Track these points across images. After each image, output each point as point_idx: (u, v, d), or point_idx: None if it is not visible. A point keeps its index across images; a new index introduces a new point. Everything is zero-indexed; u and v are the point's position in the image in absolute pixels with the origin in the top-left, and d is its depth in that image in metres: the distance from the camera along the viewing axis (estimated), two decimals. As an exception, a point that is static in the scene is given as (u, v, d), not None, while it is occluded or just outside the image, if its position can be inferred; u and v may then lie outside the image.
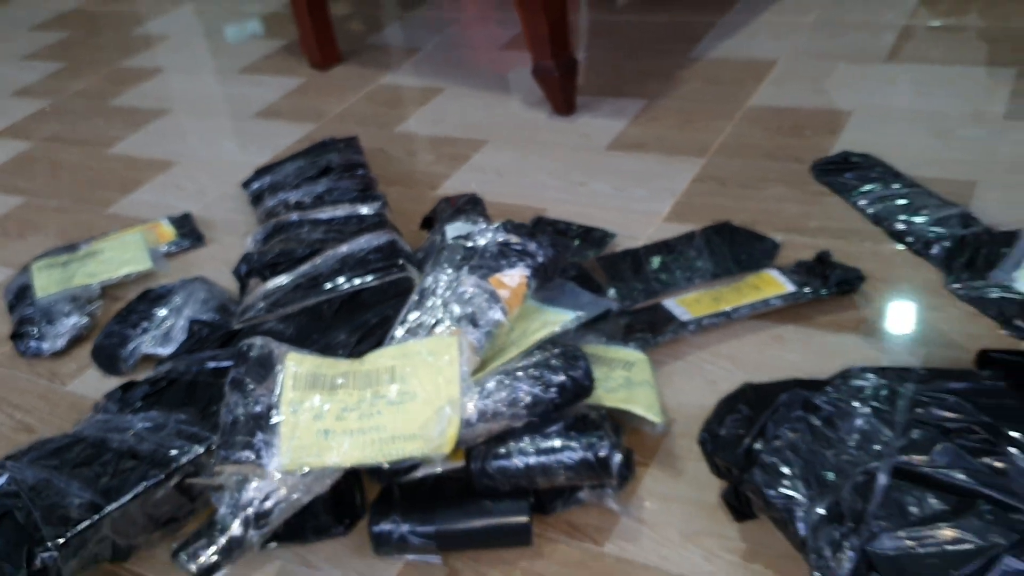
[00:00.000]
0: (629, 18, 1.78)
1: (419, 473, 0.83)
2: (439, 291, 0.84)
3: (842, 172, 0.86)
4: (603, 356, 0.93)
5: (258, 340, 0.82)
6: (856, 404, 0.73)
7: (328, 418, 0.77)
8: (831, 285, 0.99)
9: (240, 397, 0.78)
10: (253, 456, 0.75)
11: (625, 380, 0.90)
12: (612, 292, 1.04)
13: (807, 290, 0.99)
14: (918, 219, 0.79)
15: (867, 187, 0.83)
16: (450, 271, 0.85)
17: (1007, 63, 1.38)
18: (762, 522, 0.77)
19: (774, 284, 1.01)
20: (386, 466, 0.76)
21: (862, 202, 0.83)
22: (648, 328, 0.99)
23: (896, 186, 0.82)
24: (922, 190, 0.80)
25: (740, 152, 1.30)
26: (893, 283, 1.01)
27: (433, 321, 0.83)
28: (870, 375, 0.75)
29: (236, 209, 1.39)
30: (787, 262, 1.06)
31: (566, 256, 0.93)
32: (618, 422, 0.86)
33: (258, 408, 0.78)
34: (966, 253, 0.75)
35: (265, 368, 0.80)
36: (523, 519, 0.80)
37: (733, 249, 1.09)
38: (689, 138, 1.35)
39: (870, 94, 1.37)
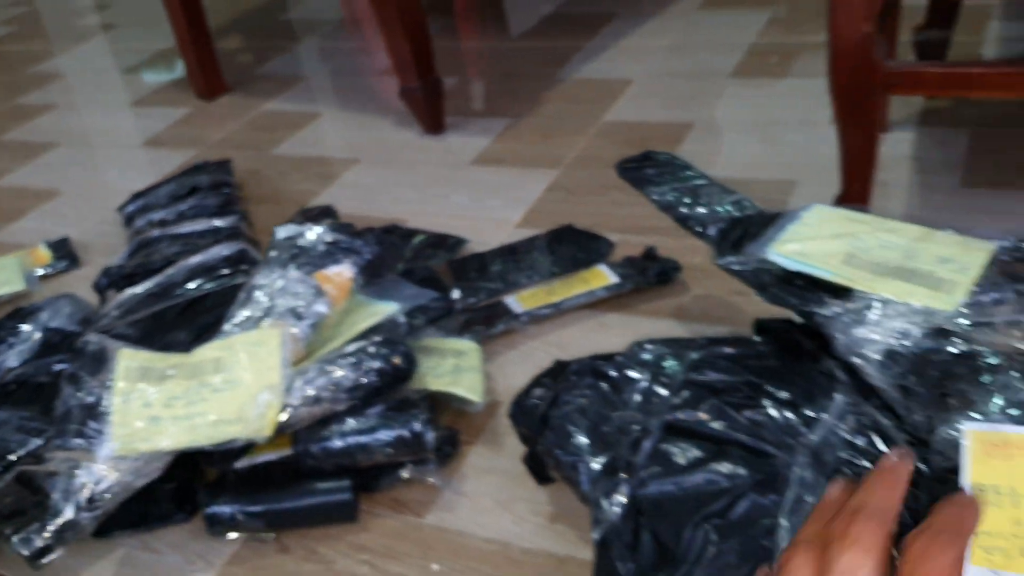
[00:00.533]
0: (509, 44, 1.87)
1: (256, 460, 0.88)
2: (266, 288, 0.90)
3: (642, 169, 0.94)
4: (437, 347, 0.99)
5: (93, 337, 0.87)
6: (639, 369, 0.80)
7: (157, 406, 0.82)
8: (651, 276, 1.07)
9: (74, 389, 0.83)
10: (84, 443, 0.79)
11: (454, 367, 0.96)
12: (456, 292, 1.11)
13: (629, 281, 1.07)
14: (700, 207, 0.87)
15: (662, 184, 0.91)
16: (277, 269, 0.91)
17: (838, 76, 1.48)
18: (565, 486, 0.83)
19: (601, 277, 1.08)
20: (210, 447, 0.81)
21: (655, 196, 0.91)
22: (484, 322, 1.06)
23: (686, 178, 0.90)
24: (711, 183, 0.88)
25: (589, 163, 1.38)
26: (709, 273, 1.09)
27: (260, 315, 0.88)
28: (654, 346, 0.83)
29: (112, 233, 1.43)
30: (619, 259, 1.14)
31: (394, 254, 0.99)
32: (444, 404, 0.93)
33: (91, 399, 0.82)
34: (736, 233, 0.83)
35: (99, 363, 0.85)
36: (346, 496, 0.85)
37: (572, 249, 1.17)
38: (546, 152, 1.43)
39: (712, 108, 1.46)
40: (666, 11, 1.86)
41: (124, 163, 1.67)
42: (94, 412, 0.82)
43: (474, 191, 1.36)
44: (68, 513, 0.79)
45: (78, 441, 0.80)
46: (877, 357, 0.67)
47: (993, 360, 0.63)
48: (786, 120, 1.39)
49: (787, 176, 1.24)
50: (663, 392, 0.78)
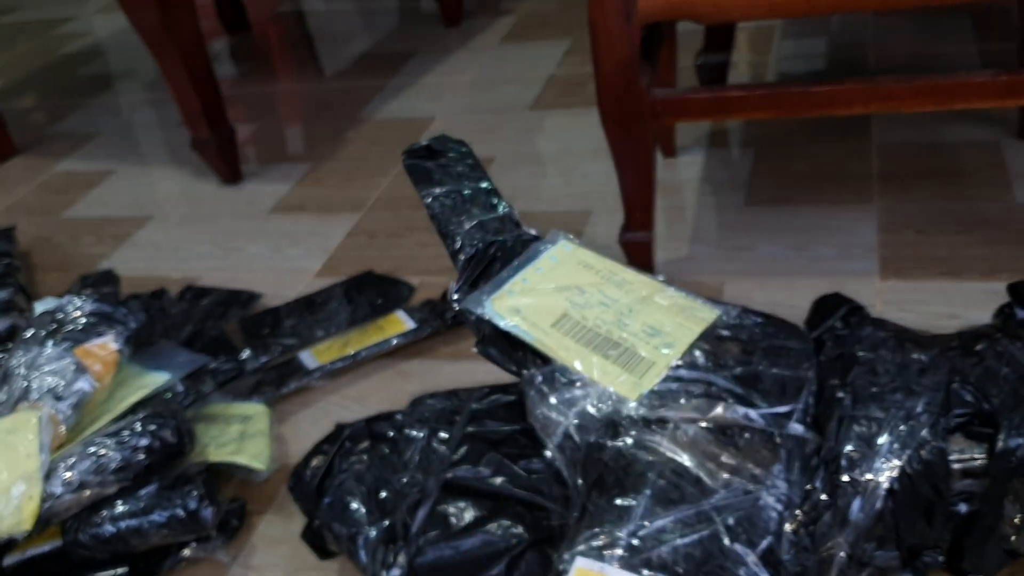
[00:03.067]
0: (318, 85, 1.83)
1: (26, 554, 0.81)
2: (21, 368, 0.83)
3: (426, 161, 0.89)
4: (222, 414, 0.95)
5: None
6: (418, 426, 0.78)
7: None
8: (448, 319, 1.05)
9: None
10: None
11: (239, 434, 0.92)
12: (247, 352, 1.06)
13: (427, 326, 1.05)
14: (465, 221, 0.83)
15: (441, 185, 0.86)
16: (35, 347, 0.85)
17: (633, 102, 1.52)
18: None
19: (398, 324, 1.06)
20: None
21: (428, 199, 0.86)
22: (275, 381, 1.02)
23: (465, 179, 0.85)
24: (486, 191, 0.85)
25: (391, 205, 1.36)
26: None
27: (16, 399, 0.82)
28: (434, 400, 0.81)
29: None
30: (420, 303, 1.12)
31: (163, 320, 0.94)
32: (229, 474, 0.88)
33: None
34: (478, 268, 0.80)
35: None
36: (120, 586, 0.80)
37: (371, 296, 1.14)
38: (347, 196, 1.40)
39: (511, 141, 1.47)
40: (468, 45, 1.87)
41: None
42: None
43: (272, 241, 1.32)
44: None
45: None
46: (556, 439, 0.66)
47: (643, 470, 0.61)
48: (582, 150, 1.40)
49: (583, 207, 1.26)
50: (441, 448, 0.76)
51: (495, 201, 0.85)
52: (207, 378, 1.00)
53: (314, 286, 1.20)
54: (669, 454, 0.61)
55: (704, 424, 0.62)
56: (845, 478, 0.61)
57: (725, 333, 0.69)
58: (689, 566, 0.55)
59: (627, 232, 1.06)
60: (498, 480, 0.71)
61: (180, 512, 0.80)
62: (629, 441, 0.62)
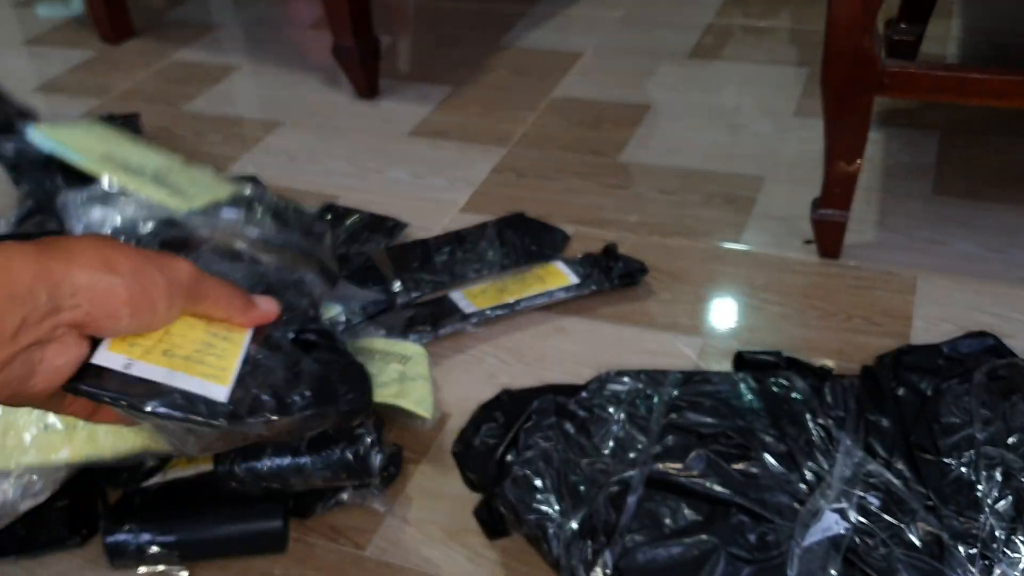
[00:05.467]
0: (442, 4, 1.74)
1: (165, 477, 0.76)
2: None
3: None
4: (380, 350, 0.88)
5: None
6: (611, 409, 0.71)
7: (39, 414, 0.69)
8: (614, 278, 0.98)
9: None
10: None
11: (399, 375, 0.85)
12: (397, 284, 1.00)
13: (591, 282, 0.98)
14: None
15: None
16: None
17: (802, 63, 1.41)
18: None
19: (559, 276, 0.99)
20: (114, 462, 0.69)
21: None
22: (430, 321, 0.95)
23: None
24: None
25: (540, 143, 1.28)
26: (677, 275, 1.01)
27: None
28: (626, 379, 0.73)
29: None
30: (576, 253, 1.04)
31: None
32: (388, 417, 0.82)
33: (-31, 407, 0.69)
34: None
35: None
36: (276, 524, 0.74)
37: (524, 240, 1.07)
38: (492, 127, 1.32)
39: (670, 89, 1.38)
40: (617, -20, 1.76)
41: (14, 109, 1.49)
42: (-29, 422, 0.68)
43: (414, 167, 1.25)
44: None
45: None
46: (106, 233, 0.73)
47: (200, 243, 0.75)
48: (749, 108, 1.31)
49: (754, 171, 1.17)
50: (640, 437, 0.69)
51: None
52: (358, 308, 0.94)
53: (460, 221, 1.12)
54: (223, 238, 0.75)
55: (248, 231, 0.77)
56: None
57: (255, 198, 0.84)
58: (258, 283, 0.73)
59: (821, 209, 0.98)
60: (714, 482, 0.64)
61: (348, 456, 0.74)
62: (186, 227, 0.75)
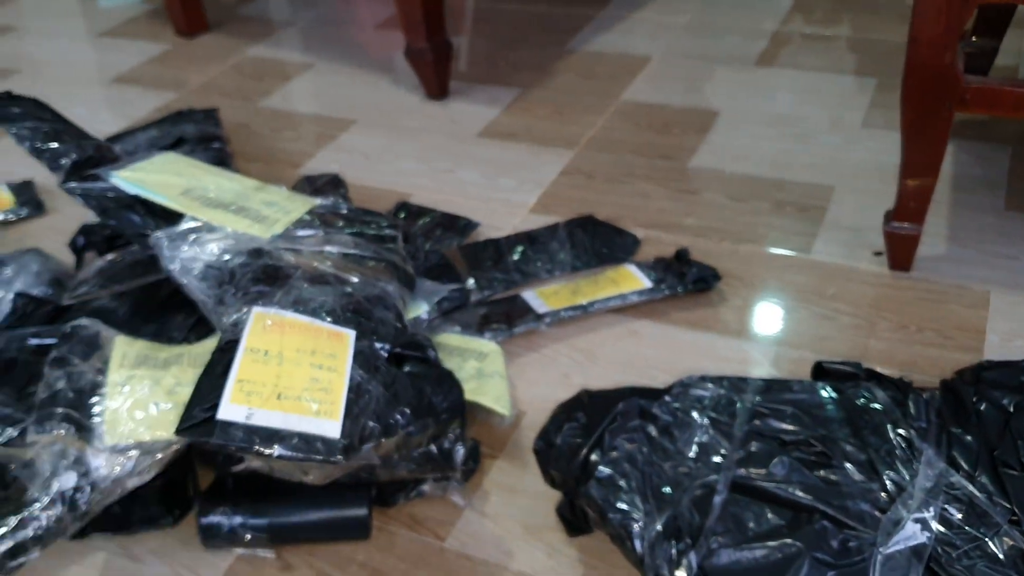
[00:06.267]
0: (508, 6, 1.76)
1: (255, 463, 0.79)
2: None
3: (5, 108, 0.94)
4: (457, 346, 0.91)
5: (84, 321, 0.77)
6: (695, 414, 0.73)
7: (160, 393, 0.72)
8: (688, 283, 0.99)
9: (62, 373, 0.72)
10: (72, 430, 0.69)
11: (477, 371, 0.88)
12: (471, 282, 1.02)
13: (664, 287, 0.99)
14: (55, 144, 0.90)
15: (23, 121, 0.92)
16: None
17: (869, 73, 1.41)
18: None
19: (632, 279, 1.00)
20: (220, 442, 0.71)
21: (13, 131, 0.91)
22: (504, 319, 0.97)
23: (46, 119, 0.94)
24: (69, 125, 0.95)
25: (609, 146, 1.29)
26: (749, 283, 1.02)
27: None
28: (709, 384, 0.75)
29: (83, 178, 1.31)
30: (647, 258, 1.06)
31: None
32: (466, 413, 0.84)
33: (82, 383, 0.72)
34: (87, 165, 0.87)
35: (91, 347, 0.75)
36: (361, 511, 0.77)
37: (595, 243, 1.09)
38: (560, 130, 1.34)
39: (738, 96, 1.39)
40: (682, -14, 1.77)
41: (93, 100, 1.54)
42: (85, 398, 0.71)
43: (484, 167, 1.27)
44: (49, 510, 0.69)
45: (65, 427, 0.69)
46: (197, 272, 0.76)
47: (291, 272, 0.77)
48: (818, 118, 1.31)
49: (823, 180, 1.18)
50: (724, 443, 0.71)
51: (83, 133, 0.95)
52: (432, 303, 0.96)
53: (530, 222, 1.15)
54: (308, 263, 0.77)
55: (328, 249, 0.80)
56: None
57: (327, 210, 0.87)
58: (348, 305, 0.75)
59: (894, 221, 0.99)
60: (797, 488, 0.66)
61: (433, 449, 0.76)
62: (275, 255, 0.77)
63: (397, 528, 0.79)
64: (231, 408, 0.59)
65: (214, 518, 0.76)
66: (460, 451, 0.77)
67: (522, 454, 0.85)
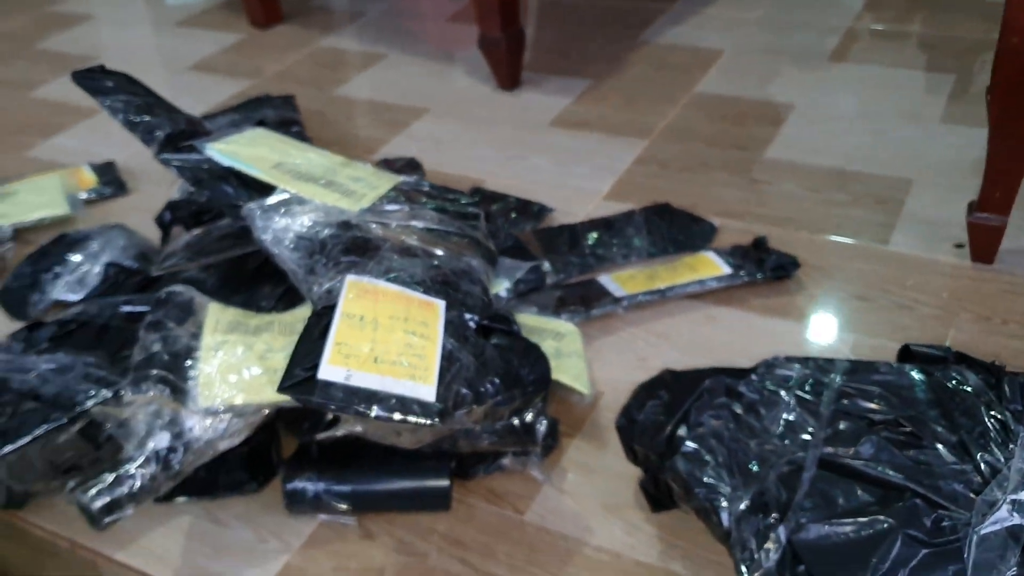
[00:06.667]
0: (577, 1, 1.77)
1: (339, 431, 0.80)
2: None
3: (99, 80, 0.94)
4: (534, 326, 0.91)
5: (179, 287, 0.79)
6: (781, 393, 0.72)
7: (253, 358, 0.74)
8: (767, 270, 0.99)
9: (158, 336, 0.74)
10: (168, 391, 0.71)
11: (555, 351, 0.88)
12: (547, 265, 1.03)
13: (743, 273, 0.99)
14: (149, 117, 0.91)
15: (116, 94, 0.93)
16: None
17: (946, 69, 1.40)
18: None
19: (710, 265, 1.00)
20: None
21: (107, 104, 0.92)
22: (581, 302, 0.98)
23: (138, 93, 0.95)
24: (161, 100, 0.97)
25: (682, 136, 1.29)
26: (826, 272, 1.01)
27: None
28: (794, 365, 0.75)
29: (163, 160, 1.34)
30: (723, 246, 1.05)
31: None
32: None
33: (177, 347, 0.74)
34: (180, 138, 0.89)
35: (186, 313, 0.76)
36: (443, 482, 0.78)
37: (671, 230, 1.09)
38: (633, 120, 1.34)
39: (812, 90, 1.38)
40: (753, -18, 1.76)
41: (173, 86, 1.57)
42: (180, 361, 0.73)
43: (556, 155, 1.27)
44: (144, 468, 0.70)
45: (160, 388, 0.71)
46: (289, 243, 0.77)
47: (380, 243, 0.78)
48: (894, 112, 1.30)
49: (901, 174, 1.16)
50: (811, 421, 0.70)
51: (173, 108, 0.97)
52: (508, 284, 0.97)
53: (604, 208, 1.15)
54: (396, 236, 0.78)
55: (415, 223, 0.81)
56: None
57: (411, 187, 0.87)
58: (437, 276, 0.76)
59: (978, 212, 0.97)
60: (887, 467, 0.65)
61: (515, 422, 0.77)
62: (364, 228, 0.78)
63: (476, 501, 0.80)
64: (330, 369, 0.60)
65: (299, 483, 0.77)
66: (543, 425, 0.77)
67: (600, 434, 0.85)
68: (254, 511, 0.81)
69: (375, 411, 0.59)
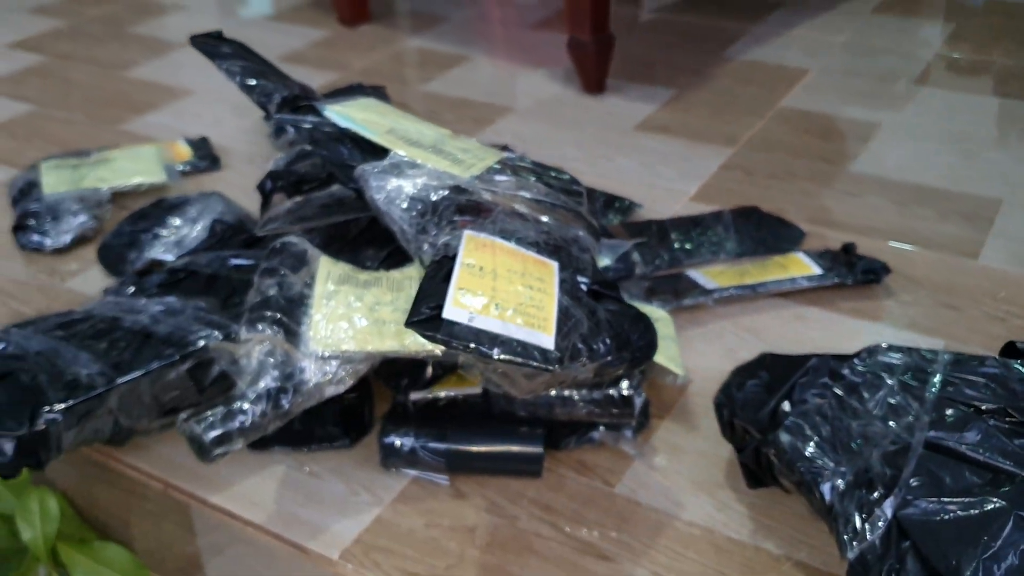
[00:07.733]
0: (661, 16, 1.79)
1: (436, 394, 0.82)
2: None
3: (216, 46, 0.99)
4: (627, 309, 0.92)
5: (293, 238, 0.80)
6: (885, 377, 0.72)
7: (363, 309, 0.75)
8: (857, 273, 0.99)
9: (274, 282, 0.76)
10: (282, 333, 0.72)
11: (649, 333, 0.89)
12: (636, 256, 1.04)
13: (833, 274, 0.99)
14: (264, 81, 0.94)
15: (233, 59, 0.97)
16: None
17: (1032, 100, 1.40)
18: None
19: (802, 265, 1.01)
20: (423, 357, 0.74)
21: (224, 67, 0.96)
22: (671, 292, 0.98)
23: (255, 59, 0.99)
24: (274, 67, 0.99)
25: (769, 147, 1.30)
26: (915, 280, 1.01)
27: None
28: (898, 353, 0.75)
29: (254, 141, 1.37)
30: (815, 249, 1.06)
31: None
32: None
33: (291, 293, 0.75)
34: (296, 101, 0.91)
35: (300, 262, 0.78)
36: (537, 449, 0.79)
37: (759, 232, 1.09)
38: (718, 129, 1.35)
39: (899, 111, 1.38)
40: (836, 8, 1.77)
41: (262, 74, 1.61)
42: (294, 305, 0.74)
43: (642, 157, 1.29)
44: (255, 406, 0.72)
45: (275, 329, 0.72)
46: (402, 202, 0.78)
47: (492, 207, 0.78)
48: (982, 136, 1.30)
49: (991, 193, 1.16)
50: (915, 405, 0.70)
51: (285, 75, 0.99)
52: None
53: (691, 209, 1.16)
54: (506, 202, 0.79)
55: (522, 193, 0.81)
56: None
57: (516, 162, 0.88)
58: (548, 241, 0.77)
59: (1075, 229, 0.97)
60: (996, 453, 0.65)
61: (613, 392, 0.78)
62: (475, 192, 0.79)
63: (566, 471, 0.81)
64: (454, 310, 0.61)
65: (395, 438, 0.79)
66: (640, 398, 0.78)
67: (689, 418, 0.86)
68: (347, 465, 0.82)
69: (497, 352, 0.60)
